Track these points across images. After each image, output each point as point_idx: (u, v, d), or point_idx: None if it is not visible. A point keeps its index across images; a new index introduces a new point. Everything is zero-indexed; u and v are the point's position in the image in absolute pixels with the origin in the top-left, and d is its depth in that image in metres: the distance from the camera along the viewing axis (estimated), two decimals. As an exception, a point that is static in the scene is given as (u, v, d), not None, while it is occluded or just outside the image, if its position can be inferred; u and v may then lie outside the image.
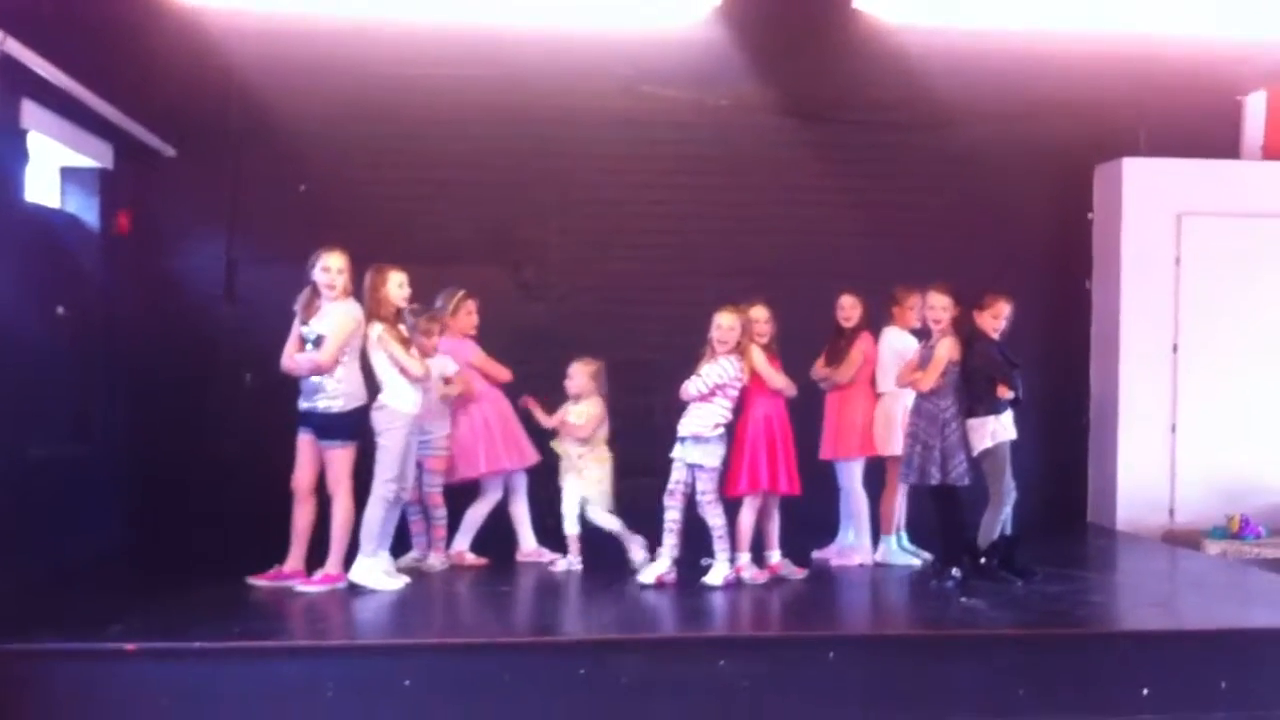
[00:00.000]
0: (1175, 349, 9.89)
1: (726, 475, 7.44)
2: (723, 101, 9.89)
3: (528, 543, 8.20)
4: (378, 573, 7.15)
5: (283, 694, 5.74)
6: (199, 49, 9.06)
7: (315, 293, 7.13)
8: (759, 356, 7.48)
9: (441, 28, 9.23)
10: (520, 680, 5.84)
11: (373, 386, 7.24)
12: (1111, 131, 10.09)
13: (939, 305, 7.58)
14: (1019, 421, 7.63)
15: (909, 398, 7.81)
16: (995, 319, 7.55)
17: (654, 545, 7.41)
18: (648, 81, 9.76)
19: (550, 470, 8.18)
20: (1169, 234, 9.89)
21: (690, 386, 7.35)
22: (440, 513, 7.90)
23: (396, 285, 7.25)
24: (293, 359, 7.12)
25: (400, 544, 7.70)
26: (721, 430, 7.35)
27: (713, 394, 7.32)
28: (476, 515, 8.08)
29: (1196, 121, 10.11)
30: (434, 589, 7.39)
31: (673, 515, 7.36)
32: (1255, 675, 6.17)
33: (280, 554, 7.19)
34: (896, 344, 8.13)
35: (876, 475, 8.21)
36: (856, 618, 7.45)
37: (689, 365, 7.48)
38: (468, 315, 8.12)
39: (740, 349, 7.38)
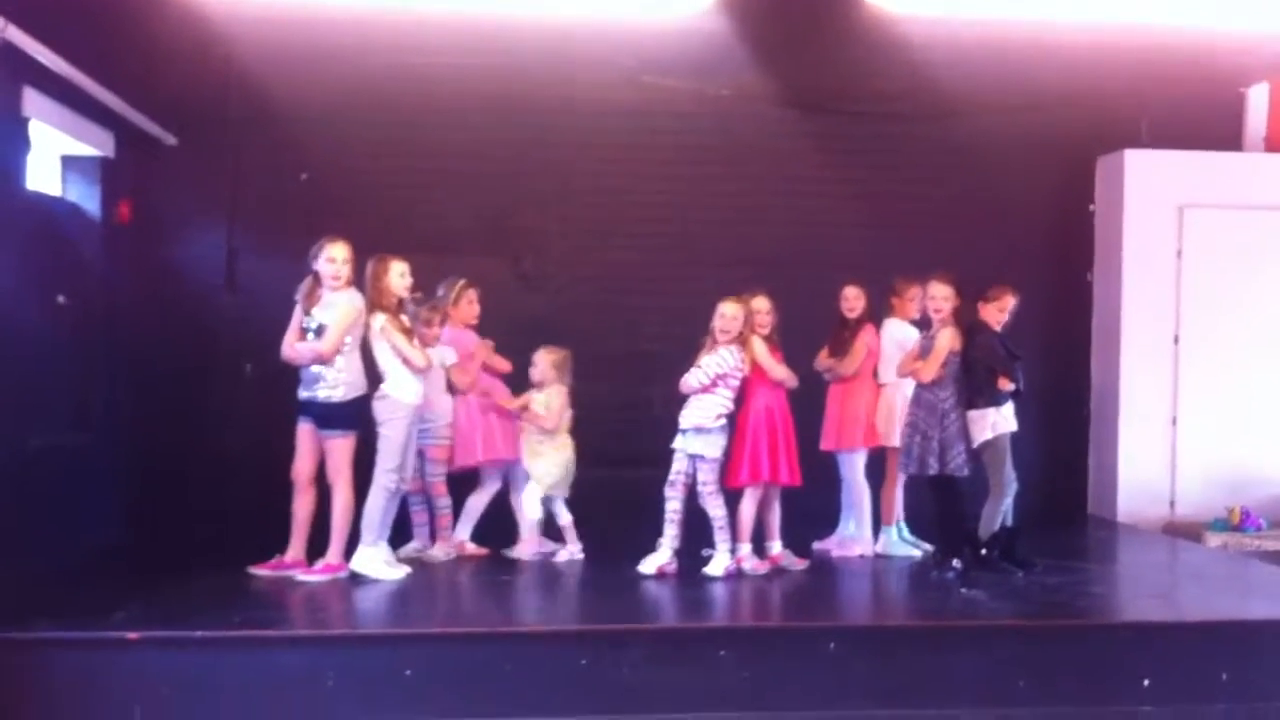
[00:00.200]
0: (1176, 341, 9.89)
1: (727, 466, 7.44)
2: (724, 92, 9.88)
3: (530, 534, 8.18)
4: (378, 562, 7.16)
5: (284, 683, 5.75)
6: (200, 37, 9.06)
7: (317, 282, 7.12)
8: (760, 347, 7.48)
9: (443, 16, 9.24)
10: (521, 670, 5.84)
11: (373, 376, 7.23)
12: (1113, 123, 10.07)
13: (940, 295, 7.57)
14: (1019, 413, 7.63)
15: (910, 388, 7.81)
16: (1001, 312, 7.56)
17: (655, 535, 7.39)
18: (649, 71, 9.75)
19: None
20: (1171, 226, 9.88)
21: (691, 379, 7.34)
22: (444, 502, 7.90)
23: (398, 275, 7.24)
24: (294, 348, 7.11)
25: (400, 534, 7.68)
26: (723, 421, 7.35)
27: (714, 385, 7.32)
28: (476, 505, 8.07)
29: (1199, 113, 10.09)
30: (435, 579, 7.39)
31: (674, 506, 7.36)
32: (1256, 666, 6.18)
33: (281, 543, 7.19)
34: (898, 335, 8.13)
35: (876, 466, 8.21)
36: (857, 609, 7.45)
37: (689, 356, 7.48)
38: (469, 305, 8.11)
39: (741, 339, 7.37)
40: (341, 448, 7.08)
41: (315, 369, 7.04)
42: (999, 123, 9.99)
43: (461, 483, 8.09)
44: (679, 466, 7.39)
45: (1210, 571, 8.06)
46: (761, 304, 7.63)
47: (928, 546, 8.07)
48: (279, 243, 8.68)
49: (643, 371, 9.09)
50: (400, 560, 7.45)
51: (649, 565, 7.31)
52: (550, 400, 7.79)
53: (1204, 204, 9.85)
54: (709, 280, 8.34)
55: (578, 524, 8.07)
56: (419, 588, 7.13)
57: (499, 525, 8.13)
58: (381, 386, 7.21)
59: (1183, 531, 9.44)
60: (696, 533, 7.47)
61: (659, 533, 7.38)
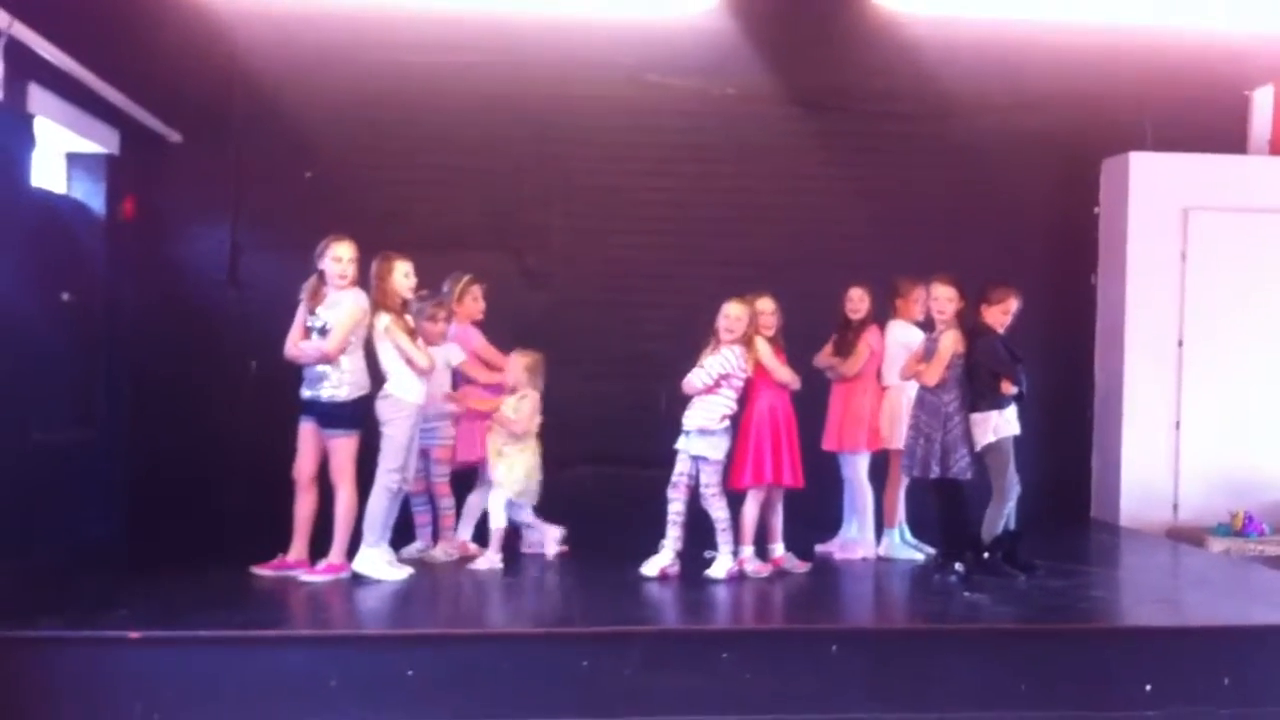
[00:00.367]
0: (1180, 344, 9.88)
1: (730, 468, 7.43)
2: (728, 90, 9.87)
3: (531, 535, 8.18)
4: (381, 563, 7.15)
5: (286, 683, 5.74)
6: (205, 35, 9.07)
7: (322, 281, 7.11)
8: (764, 348, 7.47)
9: (447, 14, 9.24)
10: (523, 671, 5.84)
11: (375, 376, 7.23)
12: (1118, 125, 10.06)
13: (943, 297, 7.57)
14: (1022, 416, 7.62)
15: (913, 391, 7.80)
16: (1004, 314, 7.54)
17: (657, 536, 7.39)
18: (653, 70, 9.75)
19: (544, 460, 8.18)
20: (1175, 229, 9.87)
21: (694, 379, 7.33)
22: (447, 502, 7.90)
23: (403, 275, 7.24)
24: (298, 347, 7.11)
25: (402, 535, 7.67)
26: (726, 423, 7.35)
27: (717, 385, 7.31)
28: (476, 503, 8.05)
29: (1203, 116, 10.08)
30: (437, 580, 7.39)
31: (676, 507, 7.35)
32: (1258, 672, 6.17)
33: (283, 543, 7.19)
34: (901, 337, 8.11)
35: (879, 469, 8.20)
36: (859, 611, 7.45)
37: (692, 355, 7.47)
38: (474, 301, 8.09)
39: (745, 340, 7.37)
40: (344, 447, 7.08)
41: (319, 368, 7.04)
42: (1004, 124, 9.98)
43: (463, 485, 8.08)
44: (682, 468, 7.38)
45: (1212, 576, 8.05)
46: (766, 305, 7.62)
47: (930, 550, 8.06)
48: (283, 240, 8.70)
49: (646, 370, 9.09)
50: (402, 561, 7.44)
51: (651, 567, 7.31)
52: (521, 404, 7.67)
53: (1209, 207, 9.84)
54: (712, 279, 8.36)
55: (579, 523, 8.07)
56: (421, 588, 7.13)
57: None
58: (385, 386, 7.20)
59: (1185, 536, 9.43)
60: (699, 534, 7.46)
61: (661, 534, 7.37)
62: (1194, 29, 9.72)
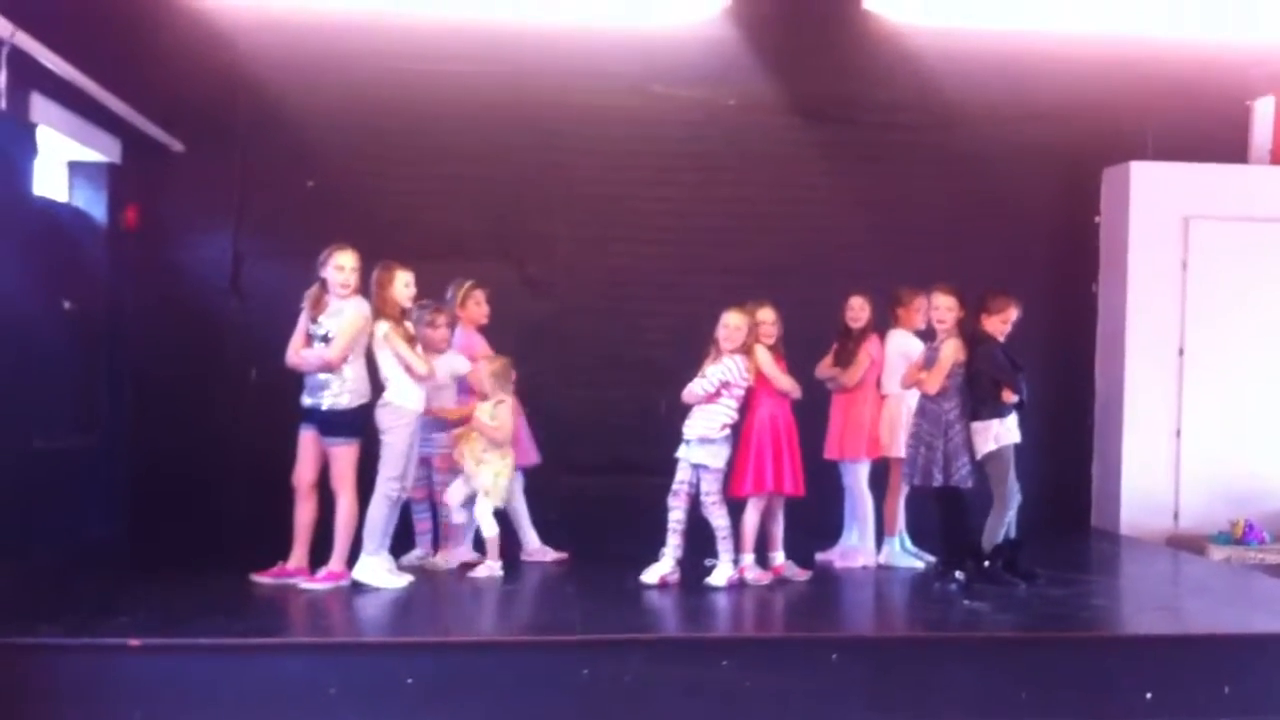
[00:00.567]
0: (1181, 353, 9.88)
1: (731, 476, 7.43)
2: (731, 101, 9.90)
3: (531, 542, 8.18)
4: (381, 571, 7.15)
5: (285, 691, 5.73)
6: (207, 44, 9.09)
7: (324, 289, 7.11)
8: (765, 357, 7.48)
9: (450, 23, 9.26)
10: (523, 679, 5.84)
11: (376, 384, 7.23)
12: (1119, 135, 10.09)
13: (943, 306, 7.57)
14: (1023, 424, 7.62)
15: (912, 400, 7.80)
16: (1004, 323, 7.54)
17: (658, 544, 7.39)
18: (656, 79, 9.77)
19: (546, 468, 8.19)
20: (1176, 238, 9.88)
21: (696, 387, 7.34)
22: (447, 510, 7.88)
23: (403, 284, 7.24)
24: (300, 355, 7.11)
25: (402, 542, 7.66)
26: (727, 432, 7.35)
27: (718, 394, 7.31)
28: (474, 511, 8.04)
29: (1204, 126, 10.10)
30: (437, 588, 7.39)
31: (677, 515, 7.35)
32: (1258, 680, 6.17)
33: (283, 551, 7.19)
34: (901, 346, 8.11)
35: (879, 477, 8.20)
36: (860, 619, 7.44)
37: (694, 364, 7.47)
38: (476, 305, 8.08)
39: (746, 349, 7.37)
40: (345, 455, 7.08)
41: (321, 376, 7.04)
42: (1005, 133, 10.00)
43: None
44: (682, 476, 7.38)
45: (1213, 584, 8.04)
46: (767, 314, 7.62)
47: (930, 558, 8.06)
48: (285, 249, 8.73)
49: (647, 378, 9.10)
50: (403, 568, 7.45)
51: (652, 575, 7.31)
52: (498, 410, 7.63)
53: (1209, 216, 9.85)
54: (714, 288, 8.37)
55: (579, 530, 8.06)
56: (421, 596, 7.13)
57: (501, 534, 8.12)
58: (384, 394, 7.21)
59: (1186, 544, 9.43)
60: (699, 543, 7.46)
61: (662, 542, 7.37)
62: (1195, 39, 9.73)
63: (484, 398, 7.66)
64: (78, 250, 8.43)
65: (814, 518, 8.07)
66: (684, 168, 9.80)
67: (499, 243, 9.63)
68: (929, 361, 7.60)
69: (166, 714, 5.65)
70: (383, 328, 7.14)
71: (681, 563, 7.37)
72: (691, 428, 7.36)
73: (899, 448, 7.92)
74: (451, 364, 7.79)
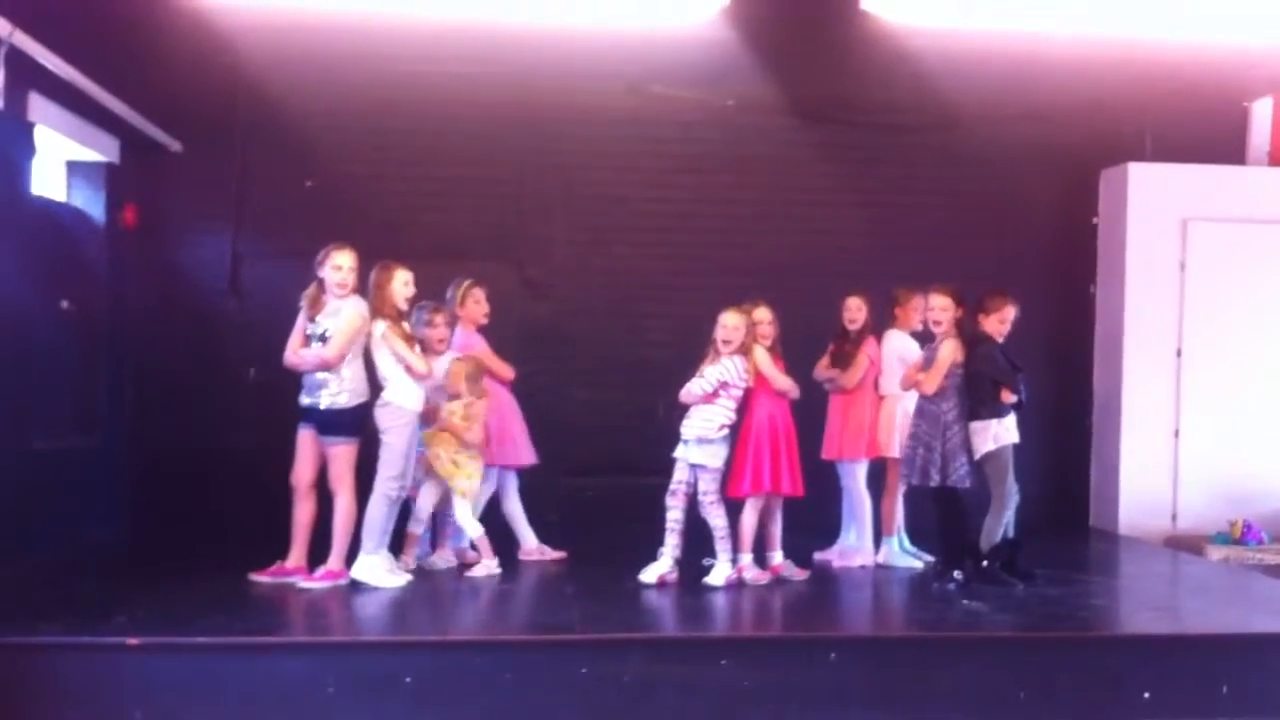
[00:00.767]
0: (1179, 354, 9.89)
1: (730, 476, 7.43)
2: (730, 101, 9.91)
3: (528, 541, 8.18)
4: (380, 570, 7.15)
5: (284, 690, 5.74)
6: (205, 44, 9.10)
7: (321, 289, 7.11)
8: (763, 357, 7.48)
9: (449, 24, 9.25)
10: (521, 678, 5.84)
11: (375, 383, 7.23)
12: (1117, 136, 10.11)
13: (939, 306, 7.57)
14: (1022, 425, 7.62)
15: (909, 400, 7.81)
16: (1001, 322, 7.54)
17: (656, 544, 7.39)
18: (656, 81, 9.77)
19: (545, 469, 8.19)
20: (1174, 239, 9.89)
21: (694, 387, 7.34)
22: (446, 510, 7.88)
23: (402, 283, 7.24)
24: (298, 355, 7.11)
25: (400, 542, 7.67)
26: (725, 432, 7.35)
27: (716, 394, 7.32)
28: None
29: (1203, 127, 10.12)
30: (435, 587, 7.39)
31: (675, 515, 7.35)
32: (1257, 680, 6.16)
33: (282, 550, 7.19)
34: (899, 346, 8.12)
35: (877, 477, 8.20)
36: (858, 619, 7.43)
37: (692, 364, 7.48)
38: (476, 304, 8.06)
39: (744, 349, 7.38)
40: (343, 455, 7.08)
41: (319, 375, 7.04)
42: (1003, 134, 10.01)
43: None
44: (680, 475, 7.38)
45: (1211, 585, 8.05)
46: (763, 314, 7.62)
47: (929, 558, 8.06)
48: (283, 248, 8.75)
49: (646, 379, 9.11)
50: (415, 568, 7.45)
51: (650, 574, 7.31)
52: (470, 411, 7.59)
53: (1207, 217, 9.86)
54: (713, 288, 8.37)
55: (578, 530, 8.06)
56: (420, 596, 7.13)
57: (498, 533, 8.12)
58: (383, 394, 7.21)
59: (1184, 544, 9.43)
60: (698, 542, 7.46)
61: (660, 542, 7.37)
62: (1193, 41, 9.73)
63: (455, 397, 7.60)
64: (76, 250, 8.43)
65: (812, 517, 8.07)
66: (683, 169, 9.80)
67: (498, 244, 9.64)
68: (927, 362, 7.61)
69: (166, 713, 5.65)
70: (380, 327, 7.14)
71: (680, 562, 7.37)
72: (689, 428, 7.36)
73: (896, 448, 7.92)
74: (447, 363, 7.78)
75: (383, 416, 7.20)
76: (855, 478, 8.14)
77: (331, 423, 7.06)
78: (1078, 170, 10.21)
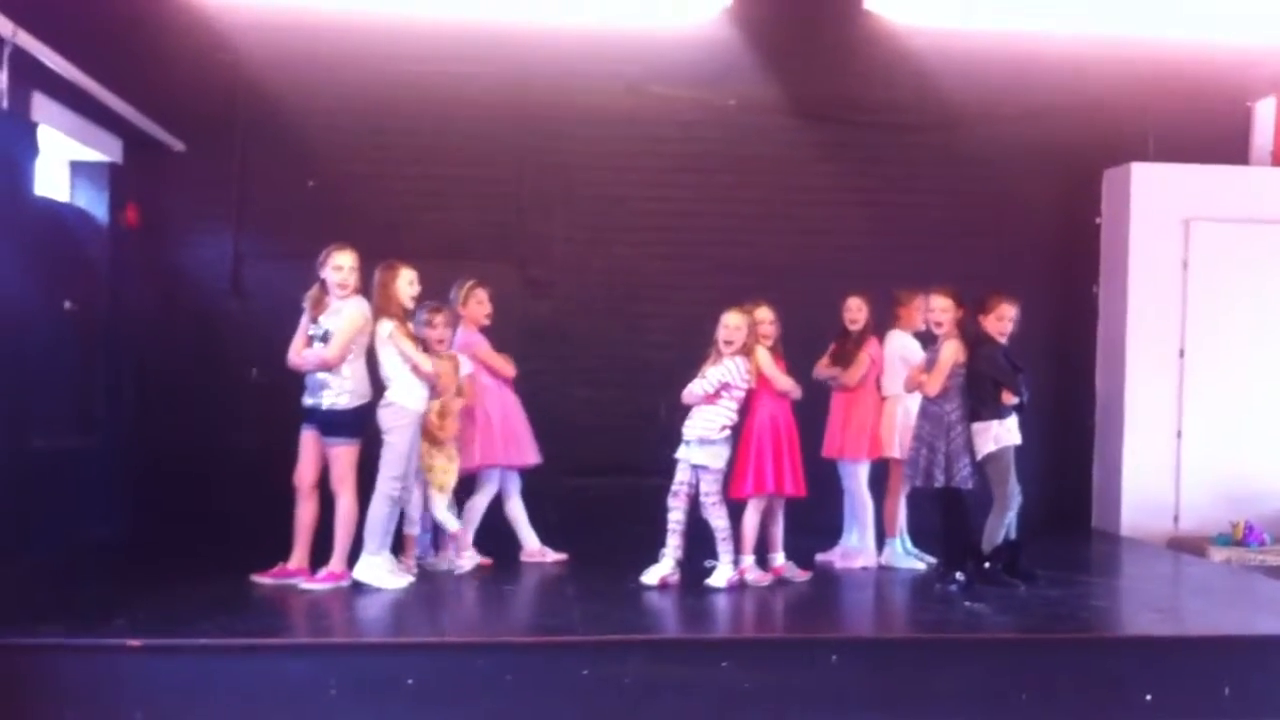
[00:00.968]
0: (1182, 354, 9.88)
1: (731, 477, 7.43)
2: (731, 101, 9.89)
3: (530, 543, 8.18)
4: (382, 571, 7.15)
5: (286, 692, 5.74)
6: (207, 44, 9.10)
7: (324, 289, 7.12)
8: (765, 358, 7.48)
9: (450, 24, 9.24)
10: (523, 680, 5.83)
11: (377, 384, 7.23)
12: (1120, 136, 10.09)
13: (939, 308, 7.56)
14: (1024, 426, 7.61)
15: (911, 401, 7.81)
16: (1000, 321, 7.53)
17: (658, 545, 7.39)
18: (657, 81, 9.76)
19: (546, 469, 8.19)
20: (1177, 239, 9.88)
21: (695, 388, 7.34)
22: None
23: (406, 283, 7.24)
24: (300, 355, 7.12)
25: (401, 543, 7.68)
26: (727, 432, 7.34)
27: (718, 395, 7.31)
28: (475, 508, 8.03)
29: (1206, 127, 10.11)
30: (437, 588, 7.38)
31: (676, 516, 7.35)
32: (1259, 682, 6.16)
33: (284, 551, 7.19)
34: (900, 347, 8.12)
35: (879, 478, 8.20)
36: (860, 620, 7.44)
37: (694, 364, 7.47)
38: (478, 304, 8.04)
39: (746, 350, 7.37)
40: (345, 455, 7.08)
41: (320, 376, 7.04)
42: (1006, 134, 10.00)
43: (464, 493, 8.07)
44: (682, 476, 7.38)
45: (1214, 586, 8.05)
46: (764, 314, 7.61)
47: (931, 559, 8.06)
48: (285, 249, 8.74)
49: (647, 379, 9.10)
50: (431, 571, 7.47)
51: (651, 576, 7.31)
52: (445, 408, 7.57)
53: (1210, 217, 9.85)
54: (714, 288, 8.37)
55: (579, 531, 8.06)
56: (422, 597, 7.13)
57: (501, 534, 8.13)
58: (386, 394, 7.21)
59: (1187, 545, 9.43)
60: (699, 544, 7.46)
61: (661, 543, 7.37)
62: (1196, 40, 9.71)
63: (439, 394, 7.57)
64: (79, 250, 8.43)
65: (814, 519, 8.08)
66: (684, 168, 9.80)
67: (498, 243, 9.64)
68: (930, 364, 7.61)
69: (167, 714, 5.65)
70: (386, 327, 7.14)
71: (681, 564, 7.37)
72: (691, 428, 7.36)
73: (899, 448, 7.92)
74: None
75: (385, 417, 7.20)
76: (857, 479, 8.14)
77: (333, 423, 7.06)
78: (1080, 170, 10.19)
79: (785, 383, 7.55)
